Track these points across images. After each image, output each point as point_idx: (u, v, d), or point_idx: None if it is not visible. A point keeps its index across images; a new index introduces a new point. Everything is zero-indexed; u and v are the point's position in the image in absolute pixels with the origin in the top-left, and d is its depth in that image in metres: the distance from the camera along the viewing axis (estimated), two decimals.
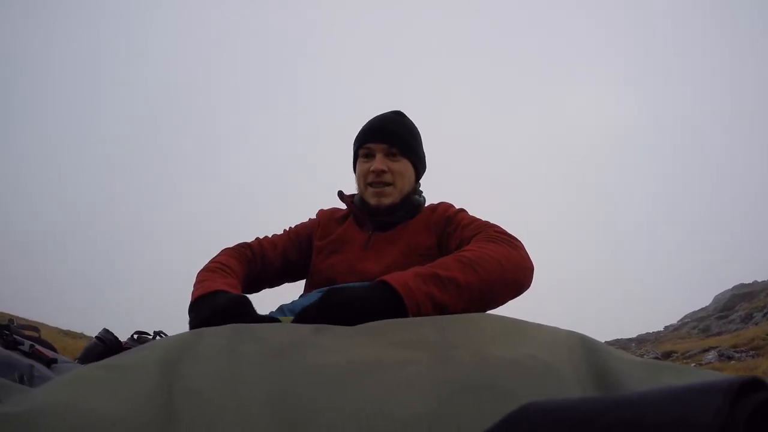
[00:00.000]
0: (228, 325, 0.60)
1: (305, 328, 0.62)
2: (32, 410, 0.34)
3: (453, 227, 1.13)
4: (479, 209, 1.21)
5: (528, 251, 1.00)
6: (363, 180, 1.21)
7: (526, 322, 0.63)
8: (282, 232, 1.32)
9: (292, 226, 1.34)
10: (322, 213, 1.34)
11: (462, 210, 1.20)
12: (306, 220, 1.36)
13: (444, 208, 1.21)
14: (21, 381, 1.04)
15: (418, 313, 0.77)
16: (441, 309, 0.81)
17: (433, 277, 0.82)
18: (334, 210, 1.35)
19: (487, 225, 1.08)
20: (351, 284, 0.88)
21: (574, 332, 0.57)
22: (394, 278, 0.81)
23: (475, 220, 1.13)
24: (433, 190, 1.33)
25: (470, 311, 0.85)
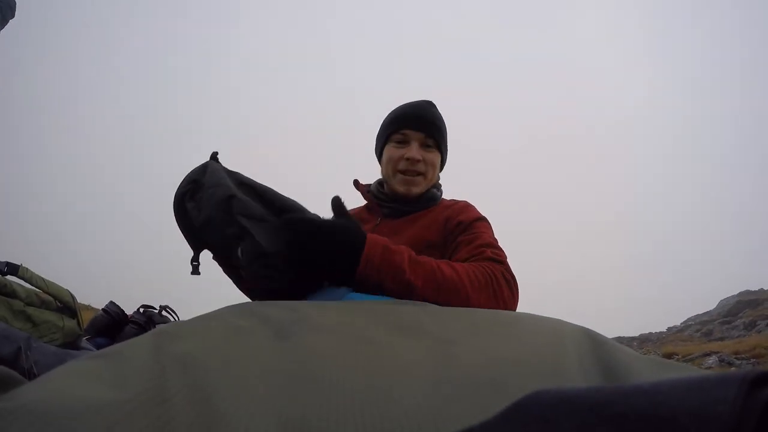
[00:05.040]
0: (226, 306, 0.61)
1: (303, 305, 0.61)
2: (29, 403, 0.35)
3: (459, 232, 1.09)
4: (484, 208, 1.18)
5: (513, 299, 0.93)
6: (393, 165, 1.19)
7: (530, 314, 0.63)
8: None
9: None
10: None
11: (479, 220, 1.13)
12: None
13: (459, 209, 1.16)
14: (18, 352, 1.05)
15: (361, 278, 0.80)
16: (382, 289, 0.81)
17: (400, 271, 0.82)
18: (351, 210, 1.35)
19: (490, 254, 0.99)
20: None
21: (579, 326, 0.56)
22: (373, 241, 0.82)
23: (480, 236, 1.05)
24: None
25: None
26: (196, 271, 0.93)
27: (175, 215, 0.94)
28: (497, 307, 0.89)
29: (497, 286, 0.91)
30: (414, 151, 1.16)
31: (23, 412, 0.34)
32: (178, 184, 0.95)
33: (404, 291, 0.82)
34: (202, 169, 0.95)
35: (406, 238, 1.11)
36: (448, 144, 1.27)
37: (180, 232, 0.95)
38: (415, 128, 1.18)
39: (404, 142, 1.19)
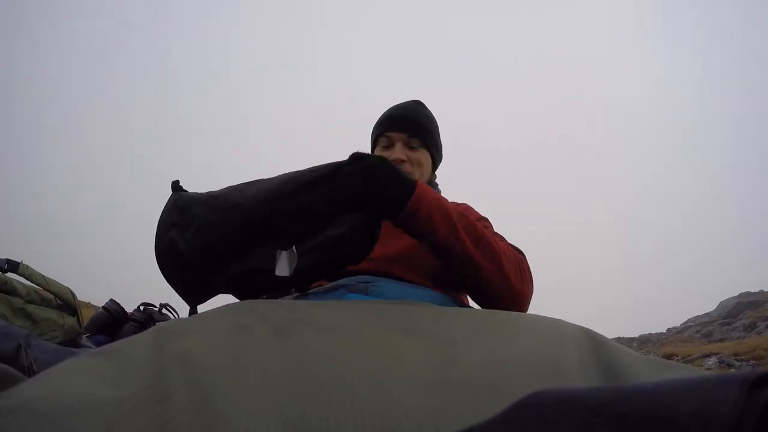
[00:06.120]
0: (226, 305, 0.61)
1: (303, 304, 0.62)
2: (28, 401, 0.35)
3: None
4: (484, 208, 1.18)
5: (531, 284, 0.96)
6: None
7: (530, 314, 0.63)
8: None
9: None
10: None
11: (481, 219, 1.15)
12: None
13: (464, 210, 1.16)
14: (18, 349, 1.06)
15: (412, 211, 0.78)
16: (429, 227, 0.80)
17: (451, 222, 0.81)
18: None
19: (509, 244, 1.01)
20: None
21: (579, 326, 0.56)
22: (423, 189, 0.80)
23: (492, 231, 1.08)
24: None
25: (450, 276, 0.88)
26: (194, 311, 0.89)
27: (166, 270, 0.88)
28: (521, 286, 0.90)
29: (522, 266, 0.93)
30: (397, 152, 1.15)
31: (23, 410, 0.33)
32: (156, 236, 0.88)
33: (449, 233, 0.81)
34: (174, 206, 0.88)
35: (408, 238, 1.11)
36: (441, 141, 1.26)
37: (170, 281, 0.88)
38: (398, 129, 1.18)
39: (390, 145, 1.19)
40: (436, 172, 1.28)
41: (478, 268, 0.83)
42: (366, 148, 1.32)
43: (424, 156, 1.19)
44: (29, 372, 0.99)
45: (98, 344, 1.47)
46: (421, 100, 1.27)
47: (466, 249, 0.82)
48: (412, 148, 1.17)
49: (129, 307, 1.80)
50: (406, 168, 1.15)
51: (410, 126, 1.17)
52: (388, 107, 1.25)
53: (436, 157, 1.24)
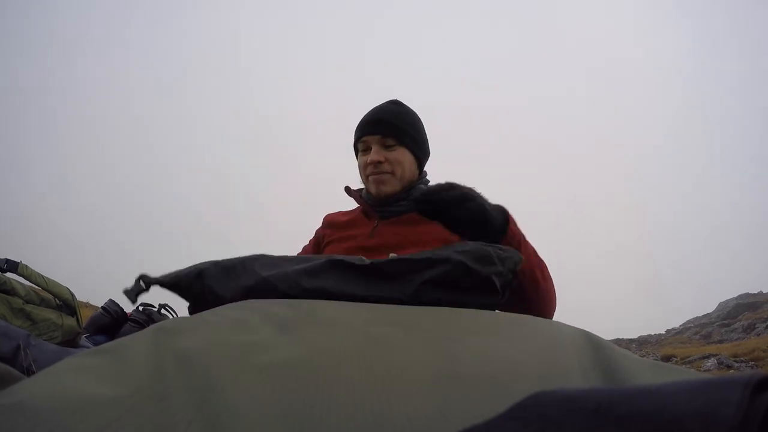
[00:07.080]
0: (231, 304, 0.60)
1: (304, 302, 0.61)
2: (27, 399, 0.34)
3: None
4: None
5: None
6: (363, 172, 1.23)
7: (530, 316, 0.63)
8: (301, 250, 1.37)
9: (306, 245, 1.37)
10: (328, 216, 1.37)
11: None
12: (313, 232, 1.39)
13: None
14: (17, 349, 1.06)
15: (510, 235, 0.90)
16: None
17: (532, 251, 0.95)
18: (340, 212, 1.36)
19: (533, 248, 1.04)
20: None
21: (579, 328, 0.56)
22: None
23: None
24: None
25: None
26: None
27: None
28: (553, 289, 1.00)
29: (551, 283, 1.02)
30: (373, 154, 1.18)
31: (20, 408, 0.33)
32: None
33: (522, 241, 0.93)
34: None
35: (408, 236, 1.11)
36: (424, 137, 1.27)
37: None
38: (371, 132, 1.20)
39: (367, 149, 1.22)
40: (425, 170, 1.28)
41: (531, 272, 0.94)
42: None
43: (401, 154, 1.20)
44: (28, 372, 0.99)
45: (97, 345, 1.47)
46: (399, 100, 1.28)
47: (532, 271, 0.93)
48: (388, 148, 1.19)
49: (128, 308, 1.80)
50: (385, 168, 1.18)
51: (383, 127, 1.20)
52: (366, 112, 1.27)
53: (418, 154, 1.24)
